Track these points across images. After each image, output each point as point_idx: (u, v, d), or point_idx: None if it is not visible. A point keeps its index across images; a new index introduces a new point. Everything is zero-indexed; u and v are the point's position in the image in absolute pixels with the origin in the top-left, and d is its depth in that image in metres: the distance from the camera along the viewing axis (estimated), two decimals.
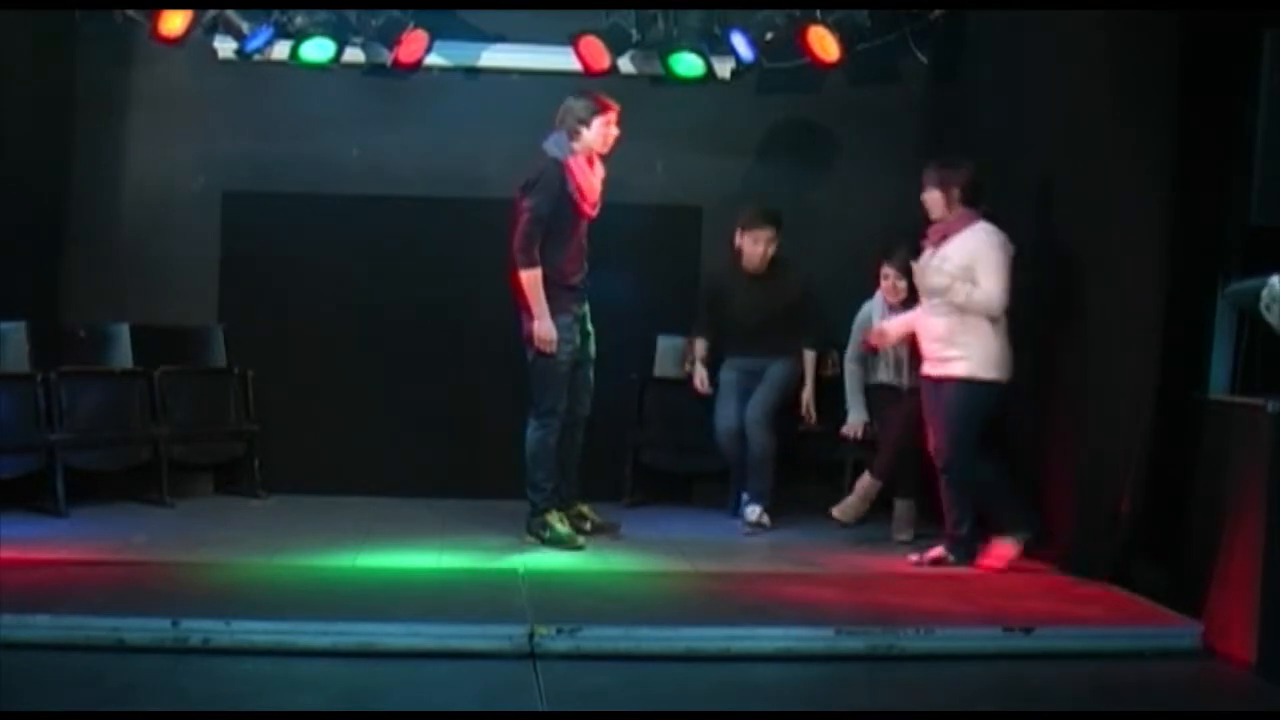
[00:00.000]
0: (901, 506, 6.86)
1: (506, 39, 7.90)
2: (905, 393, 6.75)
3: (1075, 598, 5.56)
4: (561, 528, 6.44)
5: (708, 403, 7.35)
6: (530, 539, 6.45)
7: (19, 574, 5.30)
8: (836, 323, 7.14)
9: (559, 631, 4.82)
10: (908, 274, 6.49)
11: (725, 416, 7.14)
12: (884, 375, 6.90)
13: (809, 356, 7.16)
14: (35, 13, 7.06)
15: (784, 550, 6.64)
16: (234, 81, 7.82)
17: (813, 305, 7.19)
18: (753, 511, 7.04)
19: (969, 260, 5.99)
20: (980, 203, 6.11)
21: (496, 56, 7.90)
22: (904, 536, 6.79)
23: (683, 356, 7.45)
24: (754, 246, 7.05)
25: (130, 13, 7.50)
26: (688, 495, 7.87)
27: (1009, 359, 6.07)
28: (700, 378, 7.26)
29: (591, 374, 6.67)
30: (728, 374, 7.20)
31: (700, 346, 7.29)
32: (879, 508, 6.84)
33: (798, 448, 7.35)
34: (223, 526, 6.77)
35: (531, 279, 6.27)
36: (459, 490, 7.49)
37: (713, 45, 7.70)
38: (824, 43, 7.55)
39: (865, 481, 6.71)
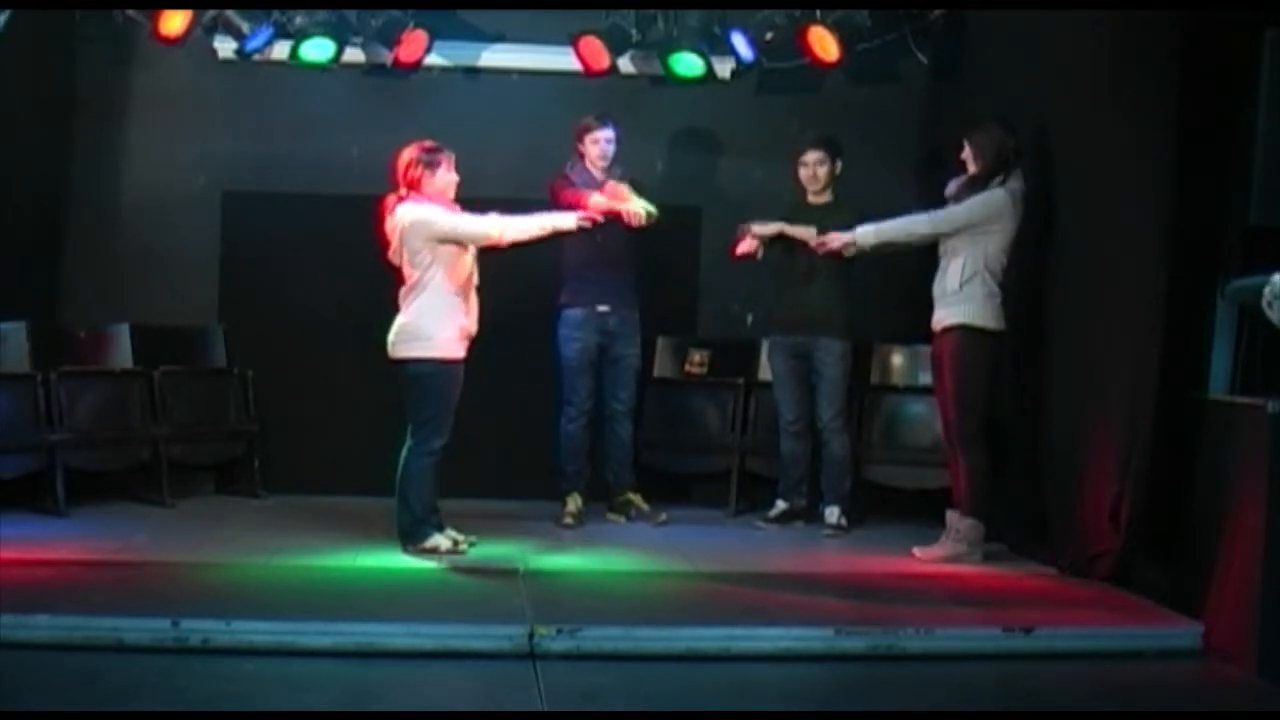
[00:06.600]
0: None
1: (506, 39, 7.90)
2: None
3: (1075, 598, 5.56)
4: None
5: (707, 402, 7.32)
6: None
7: (19, 574, 5.30)
8: None
9: (559, 631, 4.81)
10: None
11: (789, 408, 7.07)
12: None
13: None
14: (35, 13, 7.05)
15: (784, 550, 6.64)
16: (234, 81, 7.82)
17: None
18: (832, 513, 6.99)
19: None
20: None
21: (496, 56, 7.91)
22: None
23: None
24: (801, 170, 7.00)
25: (130, 13, 7.50)
26: (688, 495, 7.87)
27: None
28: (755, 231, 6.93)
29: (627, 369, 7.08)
30: (780, 361, 7.09)
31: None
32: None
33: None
34: (223, 526, 6.77)
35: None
36: (458, 490, 7.46)
37: (713, 45, 7.70)
38: (824, 43, 7.55)
39: None
